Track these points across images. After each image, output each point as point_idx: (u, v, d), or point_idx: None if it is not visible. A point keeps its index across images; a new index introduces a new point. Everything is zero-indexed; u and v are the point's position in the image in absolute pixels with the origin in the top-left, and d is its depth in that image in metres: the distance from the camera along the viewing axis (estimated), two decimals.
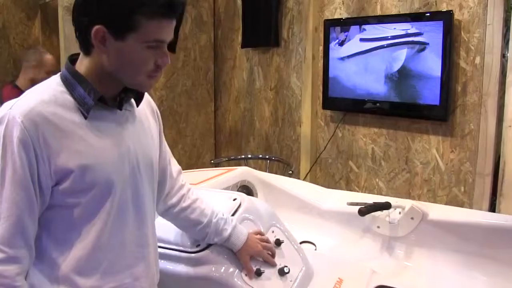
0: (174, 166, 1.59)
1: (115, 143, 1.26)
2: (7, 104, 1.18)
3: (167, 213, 1.58)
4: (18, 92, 2.66)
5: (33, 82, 3.63)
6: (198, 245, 1.63)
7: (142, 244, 1.36)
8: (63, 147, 1.17)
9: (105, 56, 1.20)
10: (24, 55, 3.66)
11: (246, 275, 1.61)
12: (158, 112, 1.52)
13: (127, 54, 1.19)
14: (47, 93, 1.20)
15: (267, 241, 1.71)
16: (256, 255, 1.64)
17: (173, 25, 1.23)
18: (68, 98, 1.21)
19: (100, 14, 1.16)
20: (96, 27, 1.16)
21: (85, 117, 1.21)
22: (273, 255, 1.68)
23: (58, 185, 1.19)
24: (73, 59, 1.27)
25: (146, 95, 1.48)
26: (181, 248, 1.66)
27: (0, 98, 3.51)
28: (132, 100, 1.34)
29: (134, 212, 1.32)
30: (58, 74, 1.27)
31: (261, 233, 1.73)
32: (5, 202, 1.14)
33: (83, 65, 1.24)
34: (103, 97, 1.23)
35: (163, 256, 1.64)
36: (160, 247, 1.64)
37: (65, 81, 1.24)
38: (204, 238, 1.60)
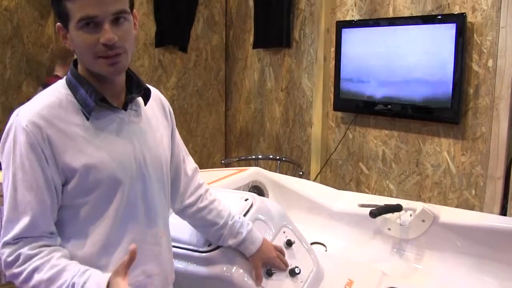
0: (190, 164, 1.60)
1: (119, 142, 1.28)
2: (16, 111, 1.22)
3: (183, 212, 1.58)
4: None
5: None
6: (209, 245, 1.64)
7: (154, 242, 1.36)
8: (67, 148, 1.20)
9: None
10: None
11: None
12: (171, 110, 1.53)
13: (75, 42, 1.22)
14: (53, 97, 1.24)
15: (281, 250, 1.69)
16: (268, 261, 1.63)
17: None
18: (72, 100, 1.24)
19: (55, 12, 1.23)
20: (57, 24, 1.23)
21: (87, 119, 1.23)
22: (285, 265, 1.67)
23: (66, 184, 1.22)
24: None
25: (158, 94, 1.49)
26: (192, 247, 1.66)
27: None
28: (140, 99, 1.36)
29: (144, 210, 1.33)
30: (65, 77, 1.30)
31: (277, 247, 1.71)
32: (20, 205, 1.18)
33: (82, 66, 1.28)
34: (105, 97, 1.25)
35: (174, 255, 1.65)
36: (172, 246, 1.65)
37: (69, 84, 1.27)
38: (218, 239, 1.59)
